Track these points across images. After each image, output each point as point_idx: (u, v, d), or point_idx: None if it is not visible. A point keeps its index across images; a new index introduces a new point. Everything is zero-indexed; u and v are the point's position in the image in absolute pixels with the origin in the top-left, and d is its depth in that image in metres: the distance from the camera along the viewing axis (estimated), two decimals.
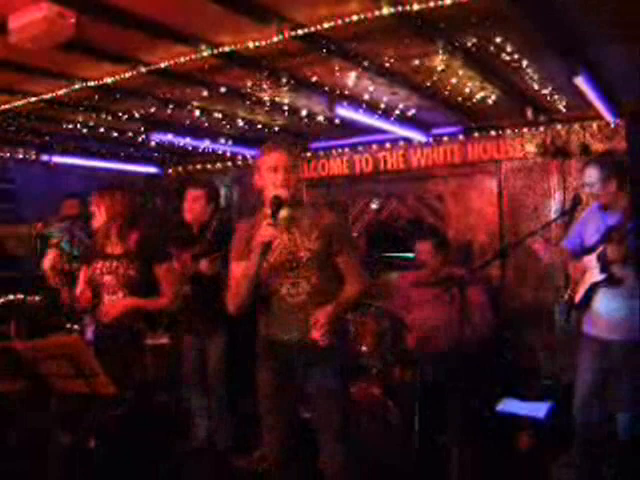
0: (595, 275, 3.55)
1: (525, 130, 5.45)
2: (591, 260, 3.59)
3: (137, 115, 5.14)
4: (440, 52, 3.55)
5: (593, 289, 3.59)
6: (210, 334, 4.22)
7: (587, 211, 3.81)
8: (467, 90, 4.41)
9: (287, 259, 2.88)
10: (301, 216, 2.94)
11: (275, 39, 3.29)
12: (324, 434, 2.91)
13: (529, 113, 5.06)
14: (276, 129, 5.74)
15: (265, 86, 4.36)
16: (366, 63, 3.82)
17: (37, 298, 5.04)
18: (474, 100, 4.68)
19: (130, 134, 5.85)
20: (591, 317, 3.66)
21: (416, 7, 2.90)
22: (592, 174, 3.56)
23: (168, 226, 5.74)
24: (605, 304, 3.56)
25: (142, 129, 5.64)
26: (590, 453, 3.65)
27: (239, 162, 7.13)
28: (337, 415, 2.89)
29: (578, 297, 3.68)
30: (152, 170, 7.53)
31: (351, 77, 4.12)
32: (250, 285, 2.84)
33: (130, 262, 3.39)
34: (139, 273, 3.40)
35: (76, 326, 4.10)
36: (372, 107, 4.86)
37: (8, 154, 6.41)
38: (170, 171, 7.68)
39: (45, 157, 6.40)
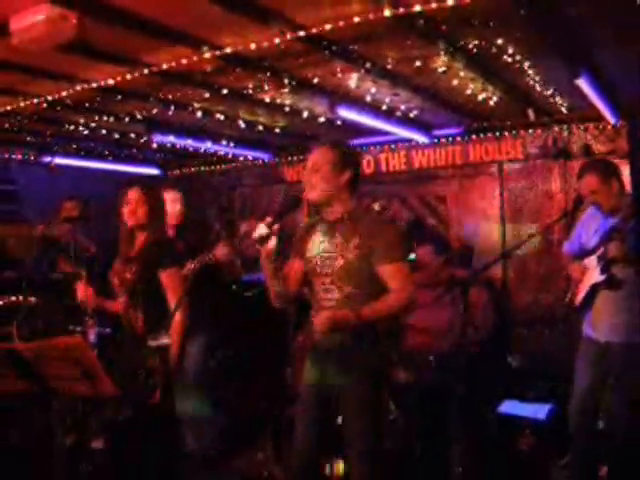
0: (596, 276, 3.53)
1: (527, 131, 5.45)
2: (592, 261, 3.58)
3: (139, 116, 5.15)
4: (442, 54, 3.56)
5: (593, 290, 3.57)
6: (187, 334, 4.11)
7: (586, 212, 3.80)
8: (469, 91, 4.41)
9: (323, 264, 2.81)
10: (346, 220, 2.81)
11: (277, 40, 3.29)
12: (350, 448, 2.79)
13: (531, 114, 5.06)
14: (277, 130, 5.74)
15: (267, 87, 4.36)
16: (368, 64, 3.82)
17: (38, 299, 5.04)
18: (476, 101, 4.69)
19: (132, 135, 5.86)
20: (591, 319, 3.64)
21: (418, 9, 2.91)
22: (593, 182, 3.52)
23: None
24: (605, 305, 3.54)
25: (143, 130, 5.64)
26: (587, 455, 3.63)
27: (240, 164, 7.14)
28: (364, 431, 2.74)
29: (579, 299, 3.67)
30: (153, 172, 7.53)
31: (353, 78, 4.12)
32: (276, 283, 2.83)
33: (130, 265, 3.34)
34: (137, 277, 3.31)
35: (79, 328, 4.09)
36: (374, 108, 4.86)
37: (10, 155, 6.42)
38: (171, 173, 7.68)
39: (47, 158, 6.40)
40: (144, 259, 3.32)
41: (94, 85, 4.12)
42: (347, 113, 4.70)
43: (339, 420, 2.93)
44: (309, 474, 2.88)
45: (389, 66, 3.90)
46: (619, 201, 3.52)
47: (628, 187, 4.79)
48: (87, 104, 4.75)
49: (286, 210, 2.74)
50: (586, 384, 3.63)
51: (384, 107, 4.86)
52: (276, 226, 2.68)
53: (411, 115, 5.13)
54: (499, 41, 3.43)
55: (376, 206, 6.26)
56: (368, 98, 4.60)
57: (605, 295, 3.53)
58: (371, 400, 2.75)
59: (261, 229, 2.66)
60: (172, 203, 4.22)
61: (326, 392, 2.84)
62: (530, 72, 3.93)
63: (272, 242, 2.70)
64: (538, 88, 4.28)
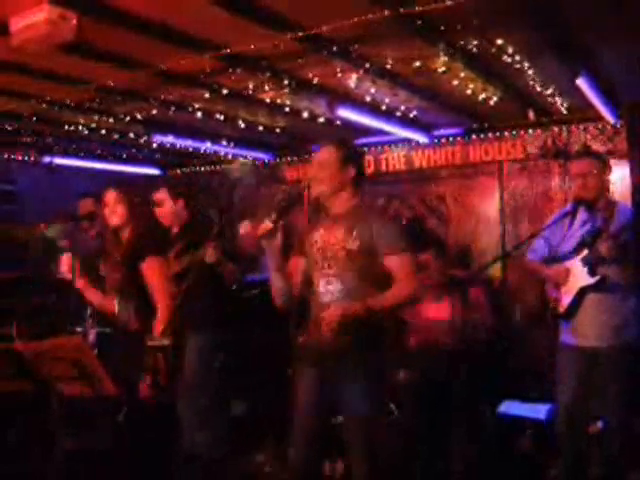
0: (584, 279, 3.43)
1: (526, 131, 5.45)
2: (574, 265, 3.48)
3: (139, 117, 5.14)
4: (441, 54, 3.56)
5: (582, 294, 3.45)
6: (187, 335, 3.91)
7: (552, 218, 3.75)
8: (469, 91, 4.41)
9: (324, 255, 2.84)
10: (349, 214, 2.87)
11: (277, 41, 3.29)
12: (351, 450, 2.82)
13: (530, 114, 5.07)
14: (277, 131, 5.74)
15: (267, 88, 4.36)
16: (368, 65, 3.83)
17: (39, 299, 5.05)
18: (476, 101, 4.69)
19: (132, 136, 5.85)
20: (574, 325, 3.51)
21: (418, 9, 2.91)
22: (589, 165, 3.48)
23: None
24: (595, 309, 3.43)
25: (144, 131, 5.64)
26: (578, 461, 3.59)
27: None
28: (363, 434, 2.75)
29: (564, 304, 3.53)
30: (153, 172, 7.53)
31: (353, 79, 4.12)
32: (282, 281, 2.87)
33: (117, 265, 3.39)
34: (124, 275, 3.36)
35: (79, 328, 4.09)
36: (374, 109, 4.86)
37: (10, 155, 6.42)
38: (171, 173, 7.68)
39: (47, 159, 6.40)
40: (128, 256, 3.36)
41: (94, 85, 4.12)
42: (347, 113, 4.70)
43: (337, 420, 2.95)
44: (312, 475, 2.88)
45: (389, 66, 3.90)
46: (601, 198, 3.50)
47: (627, 187, 4.80)
48: (87, 104, 4.75)
49: (289, 206, 2.82)
50: (572, 397, 3.51)
51: (384, 107, 4.86)
52: (280, 222, 2.75)
53: (411, 115, 5.13)
54: (499, 41, 3.43)
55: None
56: (368, 98, 4.60)
57: (595, 298, 3.42)
58: (368, 404, 2.76)
59: (266, 224, 2.73)
60: (159, 204, 4.14)
61: (325, 393, 2.83)
62: (530, 72, 3.93)
63: (278, 238, 2.78)
64: (538, 88, 4.28)
